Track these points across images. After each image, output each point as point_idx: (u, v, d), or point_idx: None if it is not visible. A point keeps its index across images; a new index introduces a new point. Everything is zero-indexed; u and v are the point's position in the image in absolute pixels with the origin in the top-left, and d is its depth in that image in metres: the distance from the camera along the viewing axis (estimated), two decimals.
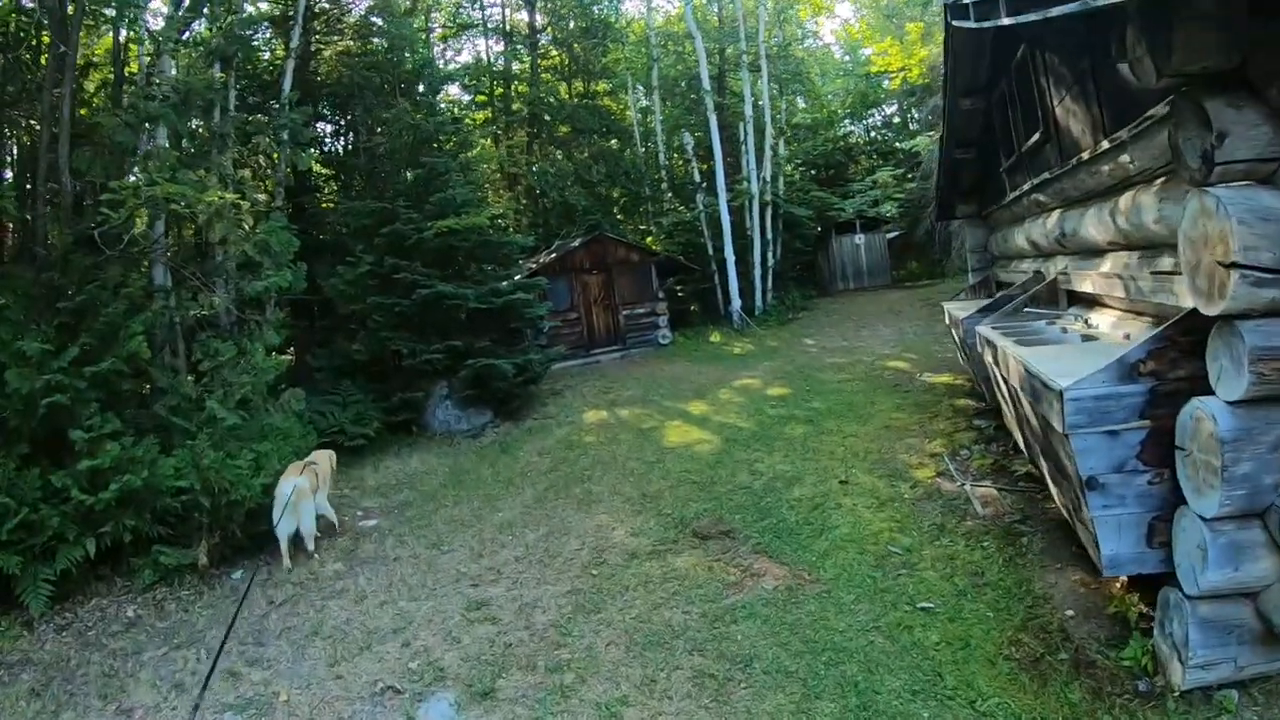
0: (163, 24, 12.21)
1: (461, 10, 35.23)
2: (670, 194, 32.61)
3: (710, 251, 27.91)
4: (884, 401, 13.12)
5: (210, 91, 11.82)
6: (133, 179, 10.06)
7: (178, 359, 10.54)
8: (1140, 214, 5.59)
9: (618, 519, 9.40)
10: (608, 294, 23.87)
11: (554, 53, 35.19)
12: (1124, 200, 5.97)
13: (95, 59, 13.99)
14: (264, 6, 19.43)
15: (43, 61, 10.80)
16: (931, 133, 28.82)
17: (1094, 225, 6.80)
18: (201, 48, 13.67)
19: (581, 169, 29.89)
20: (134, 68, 12.82)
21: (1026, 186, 9.17)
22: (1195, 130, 4.22)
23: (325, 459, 10.09)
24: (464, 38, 36.16)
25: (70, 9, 10.09)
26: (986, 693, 5.13)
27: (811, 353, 19.83)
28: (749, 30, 30.21)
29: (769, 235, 29.54)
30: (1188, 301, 4.62)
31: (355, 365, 15.94)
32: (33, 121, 11.10)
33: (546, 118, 32.35)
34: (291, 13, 17.24)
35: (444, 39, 34.89)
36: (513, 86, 33.87)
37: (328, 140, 22.74)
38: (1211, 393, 4.33)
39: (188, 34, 13.85)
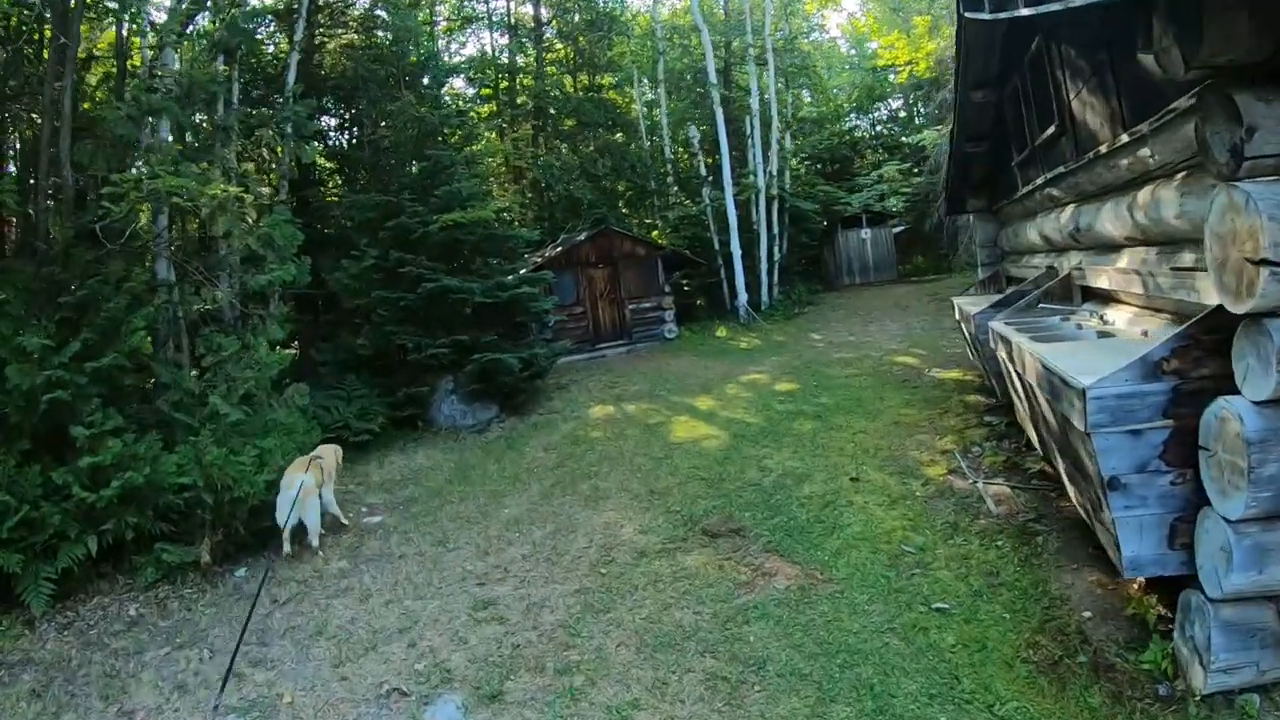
0: (165, 17, 12.10)
1: (466, 3, 35.12)
2: (676, 188, 32.54)
3: (716, 246, 27.90)
4: (893, 397, 13.02)
5: (213, 84, 11.75)
6: (135, 172, 9.97)
7: (181, 354, 10.47)
8: (1160, 209, 5.48)
9: (626, 516, 9.31)
10: (613, 288, 23.82)
11: (559, 46, 35.04)
12: (1143, 195, 5.86)
13: (98, 53, 13.89)
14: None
15: (44, 55, 10.71)
16: (939, 127, 28.72)
17: (1110, 220, 6.70)
18: (205, 41, 13.58)
19: (587, 162, 29.76)
20: (137, 61, 12.75)
21: (1039, 181, 9.06)
22: (1224, 124, 4.12)
23: (331, 454, 10.02)
24: (468, 31, 36.16)
25: (72, 1, 10.00)
26: (1005, 696, 5.04)
27: (818, 348, 19.73)
28: (755, 23, 30.05)
29: (775, 229, 29.43)
30: (1211, 299, 4.53)
31: (360, 360, 15.88)
32: (34, 115, 11.01)
33: (552, 111, 32.25)
34: (295, 5, 17.12)
35: (448, 32, 34.82)
36: (517, 80, 33.73)
37: (332, 134, 22.67)
38: (1237, 392, 4.23)
39: (191, 27, 13.76)
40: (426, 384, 15.44)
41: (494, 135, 30.98)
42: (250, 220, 10.40)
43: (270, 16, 18.98)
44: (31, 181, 10.23)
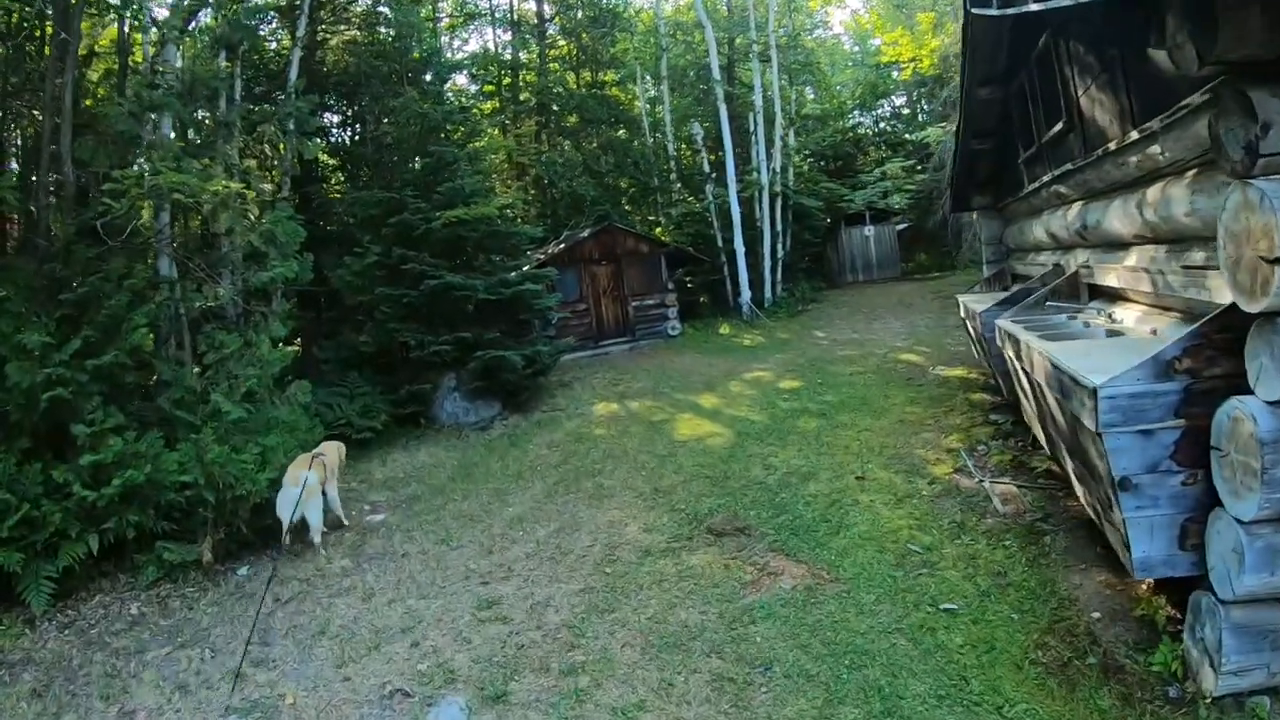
0: (167, 13, 12.06)
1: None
2: (679, 185, 32.49)
3: (719, 243, 27.84)
4: (897, 395, 12.98)
5: (215, 80, 11.72)
6: (136, 169, 9.94)
7: (182, 351, 10.42)
8: (1170, 206, 5.44)
9: (630, 514, 9.26)
10: (617, 285, 23.76)
11: (562, 42, 34.99)
12: (1152, 192, 5.82)
13: (100, 49, 13.86)
14: None
15: (46, 51, 10.67)
16: (944, 124, 28.73)
17: (1119, 218, 6.65)
18: (207, 37, 13.55)
19: (590, 159, 29.72)
20: (139, 57, 12.72)
21: (1047, 178, 9.00)
22: (1238, 120, 4.07)
23: (334, 450, 10.00)
24: (471, 27, 36.09)
25: None
26: (1014, 698, 4.99)
27: (822, 345, 19.68)
28: (759, 19, 30.01)
29: (778, 226, 29.37)
30: (1223, 297, 4.50)
31: (362, 357, 15.84)
32: (36, 111, 10.99)
33: (555, 107, 32.18)
34: (298, 2, 17.06)
35: (451, 28, 34.76)
36: (520, 76, 33.71)
37: (334, 130, 22.60)
38: (1250, 392, 4.18)
39: (193, 23, 13.72)
40: (429, 381, 15.39)
41: (497, 132, 30.92)
42: (252, 217, 10.37)
43: (273, 13, 18.90)
44: (33, 179, 10.20)
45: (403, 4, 20.41)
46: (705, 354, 20.71)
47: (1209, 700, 4.58)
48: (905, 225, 35.91)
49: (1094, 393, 4.55)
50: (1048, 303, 8.84)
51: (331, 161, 22.21)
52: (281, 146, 15.53)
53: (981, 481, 8.53)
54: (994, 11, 5.67)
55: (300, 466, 9.03)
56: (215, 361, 9.89)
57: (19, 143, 12.10)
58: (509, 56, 33.95)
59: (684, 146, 33.85)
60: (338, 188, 21.46)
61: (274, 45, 19.83)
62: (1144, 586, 5.75)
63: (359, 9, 21.66)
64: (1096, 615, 5.72)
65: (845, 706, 5.16)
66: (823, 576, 7.02)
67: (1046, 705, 4.89)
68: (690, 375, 17.60)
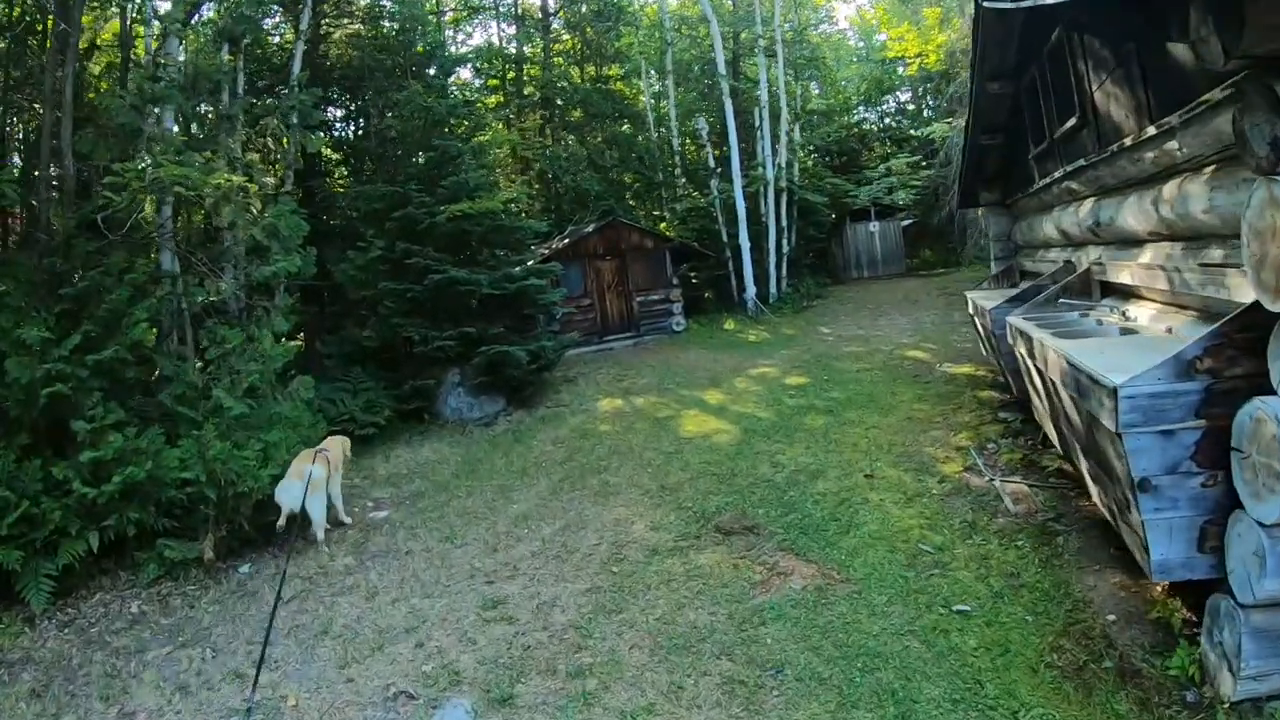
0: (170, 6, 11.99)
1: None
2: (684, 180, 32.41)
3: (724, 238, 27.73)
4: (905, 392, 12.89)
5: (218, 74, 11.67)
6: (137, 162, 9.86)
7: (184, 346, 10.36)
8: (1187, 203, 5.34)
9: (636, 512, 9.18)
10: (621, 280, 23.71)
11: (566, 36, 34.97)
12: (1168, 189, 5.72)
13: (101, 43, 13.81)
14: None
15: (47, 45, 10.61)
16: (949, 120, 28.62)
17: (1133, 214, 6.56)
18: (209, 30, 13.49)
19: (594, 154, 29.70)
20: (140, 51, 12.66)
21: (1058, 174, 8.91)
22: (1264, 116, 3.97)
23: (338, 446, 9.91)
24: (475, 21, 36.09)
25: None
26: (1030, 703, 4.90)
27: (828, 341, 19.60)
28: (764, 14, 29.90)
29: (784, 222, 29.31)
30: (1243, 295, 4.42)
31: (366, 352, 15.81)
32: (36, 105, 10.92)
33: (559, 102, 32.17)
34: None
35: (455, 22, 34.75)
36: (525, 70, 33.69)
37: (338, 124, 22.61)
38: (1272, 392, 4.09)
39: (196, 16, 13.66)
40: (433, 376, 15.33)
41: (501, 126, 30.88)
42: (255, 211, 10.24)
43: (276, 6, 18.85)
44: (34, 172, 10.14)
45: None
46: (710, 350, 20.62)
47: (1227, 705, 4.49)
48: (910, 221, 35.86)
49: (1114, 392, 4.45)
50: (1059, 300, 8.75)
51: (335, 155, 22.23)
52: (284, 140, 15.49)
53: (992, 480, 8.44)
54: (1006, 5, 5.58)
55: (304, 461, 8.96)
56: (217, 357, 9.81)
57: (20, 136, 12.04)
58: (513, 51, 33.90)
59: (689, 141, 33.76)
60: (341, 182, 21.47)
61: (277, 39, 19.84)
62: (1159, 589, 5.66)
63: (363, 2, 21.64)
64: (1112, 618, 5.63)
65: (859, 711, 5.07)
66: (833, 577, 6.93)
67: (1063, 710, 4.80)
68: (695, 371, 17.51)
